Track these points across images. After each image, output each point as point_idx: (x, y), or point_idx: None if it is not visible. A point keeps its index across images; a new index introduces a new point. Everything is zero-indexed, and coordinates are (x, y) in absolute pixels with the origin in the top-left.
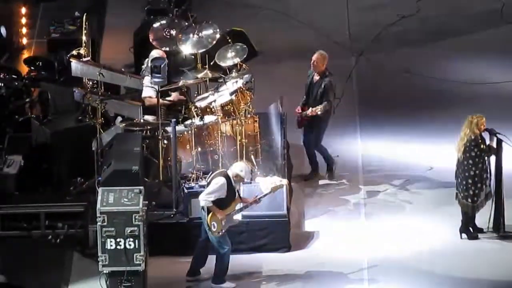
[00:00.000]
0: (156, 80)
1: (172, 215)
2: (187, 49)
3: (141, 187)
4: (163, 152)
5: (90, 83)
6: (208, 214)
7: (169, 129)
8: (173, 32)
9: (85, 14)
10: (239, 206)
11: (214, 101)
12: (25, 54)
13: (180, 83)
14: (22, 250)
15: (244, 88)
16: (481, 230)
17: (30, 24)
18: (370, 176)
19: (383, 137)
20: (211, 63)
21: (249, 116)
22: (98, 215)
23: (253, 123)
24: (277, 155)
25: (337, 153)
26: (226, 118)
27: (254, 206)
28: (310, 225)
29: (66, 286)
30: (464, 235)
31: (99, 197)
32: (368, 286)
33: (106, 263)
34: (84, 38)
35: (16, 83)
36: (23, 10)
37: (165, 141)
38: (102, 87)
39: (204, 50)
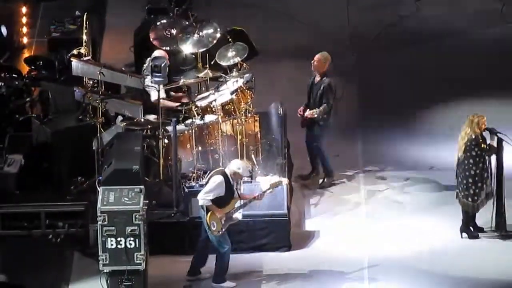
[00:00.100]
0: (157, 79)
1: (172, 214)
2: (187, 48)
3: (142, 186)
4: (164, 151)
5: (91, 82)
6: (207, 213)
7: (169, 128)
8: (174, 32)
9: (85, 13)
10: (238, 204)
11: (215, 100)
12: (26, 53)
13: (181, 83)
14: (22, 249)
15: (244, 88)
16: (481, 230)
17: (30, 23)
18: (370, 175)
19: (384, 136)
20: (212, 63)
21: (249, 115)
22: (98, 214)
23: (254, 122)
24: (277, 155)
25: (338, 153)
26: (227, 117)
27: (255, 206)
28: (311, 224)
29: (66, 286)
30: (464, 235)
31: (100, 196)
32: (368, 285)
33: (107, 262)
34: (84, 37)
35: (17, 82)
36: (24, 9)
37: (166, 141)
38: (103, 87)
39: (204, 49)
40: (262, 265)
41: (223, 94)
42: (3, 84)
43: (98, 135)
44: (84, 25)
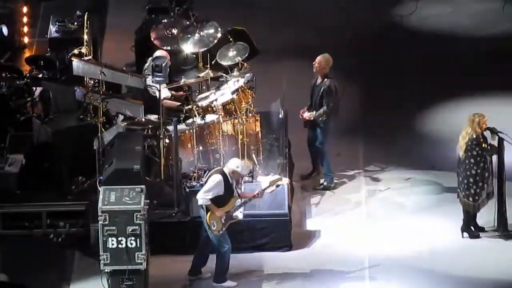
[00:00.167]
0: (157, 79)
1: (173, 214)
2: (188, 48)
3: (143, 186)
4: (165, 151)
5: (92, 82)
6: (207, 213)
7: (170, 128)
8: (175, 31)
9: (86, 13)
10: (238, 202)
11: (216, 100)
12: (27, 53)
13: (182, 82)
14: (23, 249)
15: (245, 87)
16: (482, 229)
17: (31, 23)
18: (371, 175)
19: (385, 136)
20: (213, 62)
21: (250, 115)
22: (99, 214)
23: (255, 122)
24: (278, 154)
25: (338, 152)
26: (228, 117)
27: (256, 206)
28: (312, 224)
29: (67, 285)
30: (465, 234)
31: (101, 196)
32: (369, 284)
33: (108, 262)
34: (85, 37)
35: (18, 82)
36: (25, 9)
37: (167, 140)
38: (104, 86)
39: (205, 49)
40: (263, 264)
41: (224, 94)
42: (4, 83)
43: (99, 134)
44: (85, 25)
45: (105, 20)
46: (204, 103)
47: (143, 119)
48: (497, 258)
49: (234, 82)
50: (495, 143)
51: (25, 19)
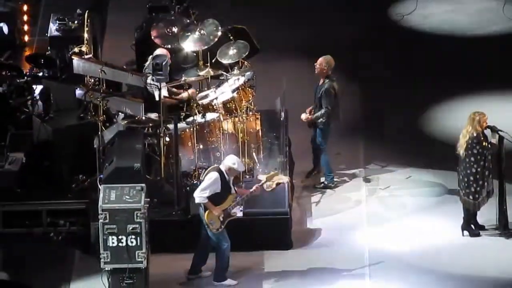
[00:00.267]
0: (158, 77)
1: (173, 213)
2: (188, 46)
3: (143, 185)
4: (165, 149)
5: (92, 80)
6: (205, 211)
7: (171, 126)
8: (175, 29)
9: (86, 11)
10: (236, 199)
11: (216, 98)
12: (27, 52)
13: (182, 81)
14: (23, 247)
15: (245, 86)
16: (483, 228)
17: (31, 22)
18: (371, 173)
19: (385, 134)
20: (213, 61)
21: (250, 113)
22: (100, 212)
23: (255, 120)
24: (279, 153)
25: (339, 151)
26: (228, 115)
27: (256, 204)
28: (312, 222)
29: (67, 284)
30: (465, 232)
31: (101, 195)
32: (369, 283)
33: (108, 260)
34: (86, 35)
35: (18, 81)
36: (25, 8)
37: (167, 139)
38: (104, 85)
39: (205, 47)
40: (263, 263)
41: (224, 92)
42: (4, 82)
43: (99, 133)
44: (86, 23)
45: (106, 18)
46: (204, 101)
47: (144, 118)
48: (498, 257)
49: (235, 81)
50: (495, 141)
51: (25, 18)
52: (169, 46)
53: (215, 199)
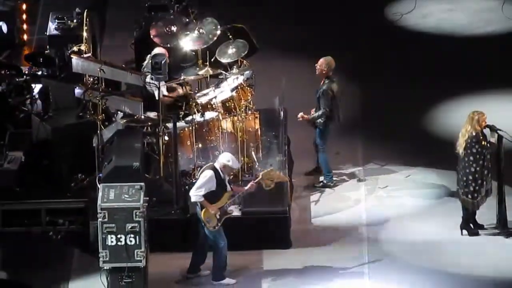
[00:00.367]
0: (157, 76)
1: (172, 211)
2: (187, 45)
3: (142, 183)
4: (164, 148)
5: (91, 79)
6: (201, 210)
7: (170, 125)
8: (174, 29)
9: (86, 10)
10: (232, 197)
11: (215, 97)
12: (26, 50)
13: (181, 80)
14: (22, 246)
15: (244, 85)
16: (481, 227)
17: (30, 20)
18: (370, 172)
19: (384, 133)
20: (212, 60)
21: (249, 112)
22: (99, 211)
23: (254, 119)
24: (278, 152)
25: (338, 150)
26: (227, 114)
27: (255, 203)
28: (311, 221)
29: (66, 282)
30: (464, 232)
31: (100, 193)
32: (368, 282)
33: (107, 259)
34: (85, 34)
35: (17, 80)
36: (24, 6)
37: (166, 138)
38: (103, 83)
39: (204, 46)
40: (262, 262)
41: (223, 91)
42: (3, 81)
43: (98, 132)
44: (85, 22)
45: (105, 17)
46: (203, 100)
47: (143, 117)
48: (497, 256)
49: (234, 80)
50: (494, 140)
51: (24, 17)
52: (168, 45)
53: (211, 197)
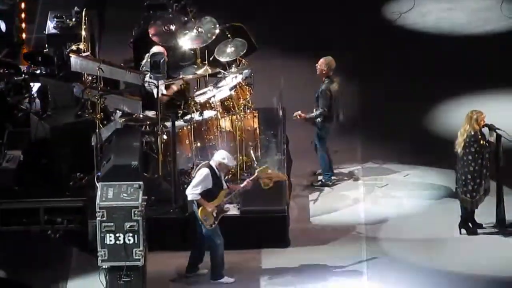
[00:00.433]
0: (156, 75)
1: (171, 210)
2: (186, 44)
3: (141, 182)
4: (163, 147)
5: (90, 78)
6: (198, 208)
7: (168, 124)
8: (173, 27)
9: (84, 9)
10: (228, 195)
11: (214, 96)
12: (25, 49)
13: (180, 79)
14: (21, 245)
15: (243, 84)
16: (480, 226)
17: (29, 19)
18: (369, 171)
19: (382, 132)
20: (211, 59)
21: (248, 111)
22: (97, 210)
23: (253, 118)
24: (276, 150)
25: (337, 148)
26: (226, 113)
27: (253, 202)
28: (309, 220)
29: (65, 281)
30: (463, 231)
31: (99, 192)
32: (367, 281)
33: (105, 258)
34: (83, 33)
35: (16, 78)
36: (23, 5)
37: (165, 136)
38: (102, 82)
39: (203, 45)
40: (261, 261)
41: (222, 90)
42: (2, 80)
43: (97, 131)
44: (83, 21)
45: (103, 16)
46: (202, 99)
47: (141, 115)
48: (495, 255)
49: (232, 79)
50: (493, 139)
51: (23, 15)
52: (167, 44)
53: (208, 195)
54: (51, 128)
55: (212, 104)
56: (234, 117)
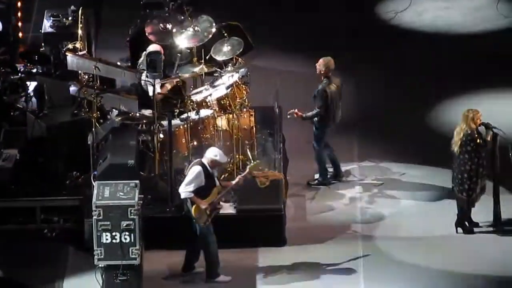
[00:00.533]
0: (152, 74)
1: (167, 209)
2: (183, 43)
3: (137, 181)
4: (159, 146)
5: (86, 77)
6: (192, 206)
7: (165, 123)
8: (169, 26)
9: (81, 7)
10: (221, 192)
11: (210, 95)
12: (21, 48)
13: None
14: (17, 244)
15: (240, 82)
16: (477, 225)
17: (26, 18)
18: (366, 170)
19: (379, 131)
20: (207, 57)
21: (244, 110)
22: (93, 209)
23: (249, 117)
24: (273, 149)
25: (334, 147)
26: (222, 112)
27: (250, 201)
28: (306, 219)
29: (61, 280)
30: (459, 229)
31: (95, 191)
32: (363, 280)
33: (102, 257)
34: (80, 31)
35: (12, 77)
36: (19, 4)
37: (161, 135)
38: (98, 81)
39: (200, 44)
40: (257, 260)
41: (219, 89)
42: None
43: (93, 129)
44: (80, 20)
45: (100, 15)
46: (198, 98)
47: (138, 114)
48: (491, 254)
49: (229, 77)
50: (489, 138)
51: (19, 14)
52: (163, 43)
53: (201, 193)
54: (47, 127)
55: (209, 103)
56: (231, 116)
